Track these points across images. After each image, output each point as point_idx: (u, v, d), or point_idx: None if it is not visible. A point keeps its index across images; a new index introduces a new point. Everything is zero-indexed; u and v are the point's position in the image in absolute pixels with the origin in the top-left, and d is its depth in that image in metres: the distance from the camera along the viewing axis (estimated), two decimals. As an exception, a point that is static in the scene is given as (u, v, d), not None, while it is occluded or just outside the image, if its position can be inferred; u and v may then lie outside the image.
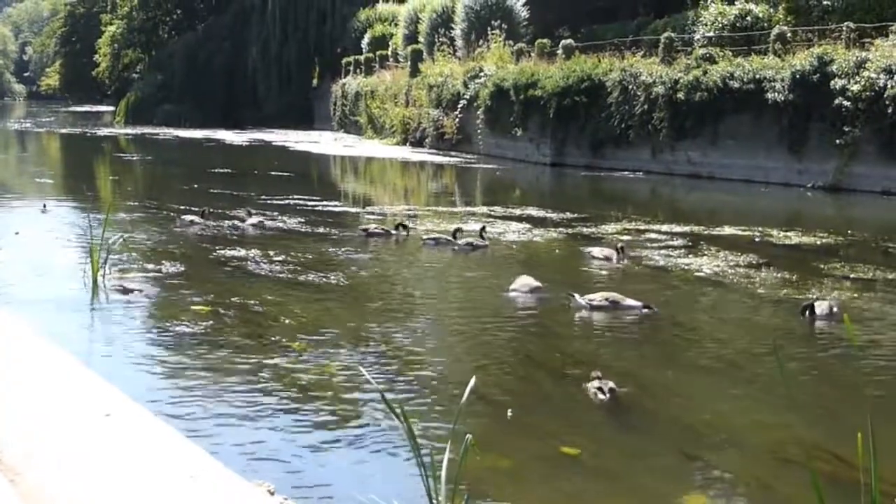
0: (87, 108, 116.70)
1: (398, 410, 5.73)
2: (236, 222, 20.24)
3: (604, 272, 15.42)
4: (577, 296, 12.74)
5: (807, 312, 12.00)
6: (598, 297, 12.59)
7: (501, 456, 7.52)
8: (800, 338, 11.51)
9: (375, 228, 19.14)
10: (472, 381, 6.12)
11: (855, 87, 27.64)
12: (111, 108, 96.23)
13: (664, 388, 9.49)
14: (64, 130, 69.30)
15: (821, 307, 12.03)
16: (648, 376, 9.89)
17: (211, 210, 20.89)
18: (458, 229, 18.21)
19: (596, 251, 16.52)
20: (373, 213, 23.74)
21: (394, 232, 18.75)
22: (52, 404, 7.27)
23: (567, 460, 7.45)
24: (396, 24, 61.02)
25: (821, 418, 8.68)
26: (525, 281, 13.43)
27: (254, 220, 20.36)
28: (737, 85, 31.25)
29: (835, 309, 12.06)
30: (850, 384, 9.58)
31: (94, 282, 13.38)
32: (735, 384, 9.70)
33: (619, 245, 16.46)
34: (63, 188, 30.98)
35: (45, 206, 23.50)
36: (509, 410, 8.40)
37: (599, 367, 9.48)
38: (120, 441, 6.58)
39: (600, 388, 8.94)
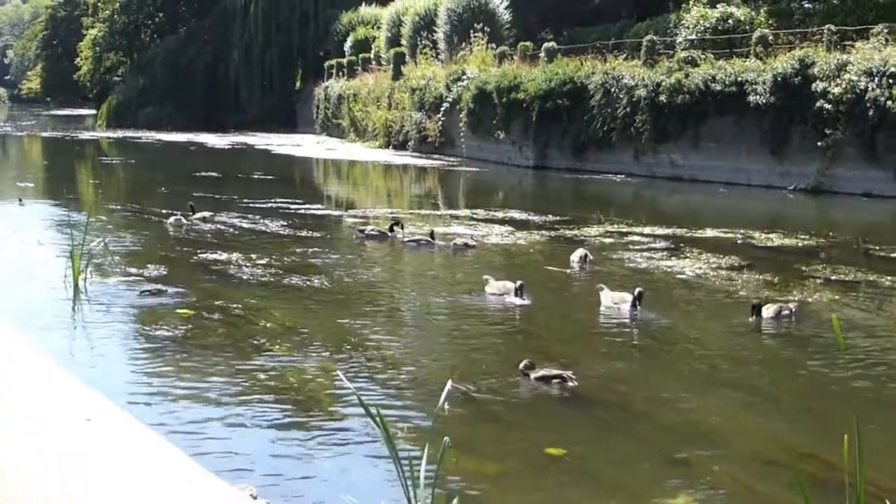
0: (68, 111, 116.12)
1: (376, 415, 5.72)
2: (181, 219, 20.43)
3: (583, 275, 15.45)
4: (605, 289, 12.83)
5: (754, 313, 12.11)
6: (617, 296, 12.65)
7: (483, 457, 7.53)
8: (783, 340, 11.54)
9: (372, 230, 19.12)
10: (449, 385, 6.13)
11: (836, 90, 27.74)
12: (93, 112, 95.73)
13: (646, 390, 9.50)
14: (45, 134, 68.96)
15: (768, 310, 12.12)
16: (631, 378, 9.91)
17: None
18: (431, 232, 18.33)
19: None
20: (356, 216, 23.68)
21: (389, 234, 18.70)
22: (33, 409, 7.24)
23: (551, 461, 7.45)
24: (379, 28, 60.91)
25: (805, 420, 8.71)
26: (502, 284, 13.36)
27: (199, 214, 20.73)
28: (718, 87, 31.32)
29: (784, 312, 12.12)
30: (835, 386, 9.61)
31: (76, 286, 13.32)
32: (718, 386, 9.72)
33: (583, 253, 16.42)
34: (44, 192, 30.81)
35: (20, 199, 23.60)
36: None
37: (579, 369, 9.51)
38: (100, 446, 6.56)
39: (561, 377, 9.22)
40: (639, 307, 12.33)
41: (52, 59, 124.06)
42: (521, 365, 9.50)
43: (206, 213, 21.21)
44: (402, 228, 18.93)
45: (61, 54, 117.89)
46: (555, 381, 9.26)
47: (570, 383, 9.26)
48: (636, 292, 12.47)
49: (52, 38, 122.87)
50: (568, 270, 15.81)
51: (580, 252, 16.37)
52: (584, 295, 14.29)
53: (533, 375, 9.39)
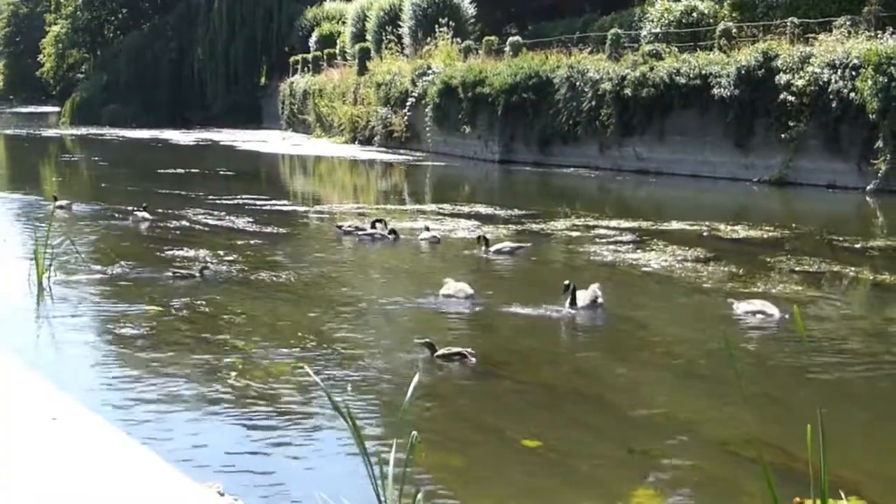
0: (31, 108, 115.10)
1: (344, 410, 5.71)
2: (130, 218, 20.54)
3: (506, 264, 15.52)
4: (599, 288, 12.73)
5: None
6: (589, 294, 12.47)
7: (450, 450, 7.55)
8: (748, 331, 11.61)
9: (349, 227, 19.01)
10: (416, 380, 6.15)
11: (799, 82, 27.90)
12: (56, 109, 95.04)
13: (612, 381, 9.55)
14: (8, 131, 68.33)
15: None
16: (597, 369, 9.96)
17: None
18: (393, 229, 18.40)
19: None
20: (322, 212, 23.63)
21: (370, 230, 18.52)
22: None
23: (521, 453, 7.48)
24: (344, 23, 60.70)
25: (770, 410, 8.76)
26: (457, 286, 13.02)
27: (59, 202, 21.74)
28: (683, 81, 31.42)
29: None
30: (799, 376, 9.68)
31: (40, 284, 13.22)
32: (685, 378, 9.78)
33: (505, 246, 16.66)
34: (6, 189, 30.54)
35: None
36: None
37: (549, 364, 9.54)
38: (66, 445, 6.52)
39: (461, 354, 9.80)
40: (575, 303, 12.16)
41: (14, 56, 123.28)
42: (423, 342, 9.96)
43: (66, 202, 22.28)
44: (385, 226, 18.70)
45: (24, 51, 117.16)
46: (455, 358, 9.77)
47: (471, 360, 9.71)
48: (570, 287, 12.28)
49: (14, 35, 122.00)
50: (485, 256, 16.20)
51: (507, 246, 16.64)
52: (529, 286, 14.40)
53: (435, 354, 9.79)
